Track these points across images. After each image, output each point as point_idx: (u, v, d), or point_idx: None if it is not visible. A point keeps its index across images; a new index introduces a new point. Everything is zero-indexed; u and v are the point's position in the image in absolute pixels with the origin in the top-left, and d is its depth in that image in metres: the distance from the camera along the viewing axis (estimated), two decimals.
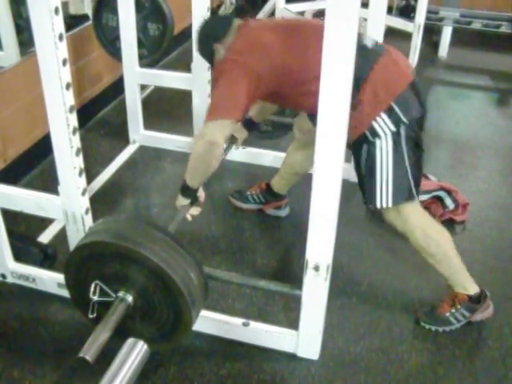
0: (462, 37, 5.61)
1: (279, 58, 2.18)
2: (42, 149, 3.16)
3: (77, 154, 1.98)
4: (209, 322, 2.27)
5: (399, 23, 4.94)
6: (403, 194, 2.23)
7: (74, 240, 2.21)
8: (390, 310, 2.49)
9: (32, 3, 1.74)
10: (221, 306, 2.45)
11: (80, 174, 2.03)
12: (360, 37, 2.16)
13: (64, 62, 1.82)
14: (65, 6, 5.28)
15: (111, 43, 3.52)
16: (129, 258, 1.79)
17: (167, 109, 4.04)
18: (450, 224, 3.03)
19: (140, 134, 3.66)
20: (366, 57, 2.10)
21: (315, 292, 1.97)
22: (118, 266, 1.84)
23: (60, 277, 2.42)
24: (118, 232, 1.85)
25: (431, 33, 5.62)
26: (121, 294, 1.87)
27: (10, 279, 2.53)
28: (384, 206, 2.24)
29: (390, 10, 5.41)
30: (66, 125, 1.91)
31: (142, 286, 1.84)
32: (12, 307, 2.46)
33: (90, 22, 3.73)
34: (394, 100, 2.11)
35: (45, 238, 2.82)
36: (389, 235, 2.95)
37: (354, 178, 3.25)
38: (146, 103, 3.77)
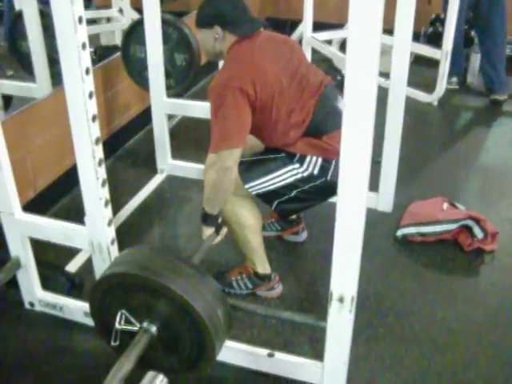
0: None
1: (272, 97, 2.28)
2: (72, 179, 3.19)
3: (102, 185, 2.00)
4: (234, 352, 2.26)
5: (426, 50, 4.92)
6: (266, 199, 2.49)
7: (100, 270, 2.23)
8: (417, 341, 2.45)
9: (60, 39, 1.78)
10: (246, 336, 2.44)
11: (106, 205, 2.05)
12: (336, 98, 2.42)
13: (90, 95, 1.85)
14: (96, 37, 5.42)
15: (139, 74, 3.56)
16: (153, 291, 1.80)
17: (195, 138, 4.07)
18: (478, 253, 2.99)
19: (168, 164, 3.69)
20: (335, 118, 2.26)
21: (340, 324, 1.95)
22: (143, 297, 1.84)
23: (86, 306, 2.42)
24: (144, 264, 1.86)
25: None
26: (145, 324, 1.87)
27: (37, 307, 2.56)
28: (250, 190, 2.44)
29: (416, 37, 5.42)
30: (91, 156, 1.93)
31: (167, 318, 1.84)
32: (39, 335, 2.48)
33: (119, 53, 3.79)
34: (337, 159, 2.21)
35: (72, 266, 2.85)
36: (415, 265, 2.93)
37: (381, 207, 3.28)
38: (174, 133, 3.80)
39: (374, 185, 3.18)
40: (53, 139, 3.28)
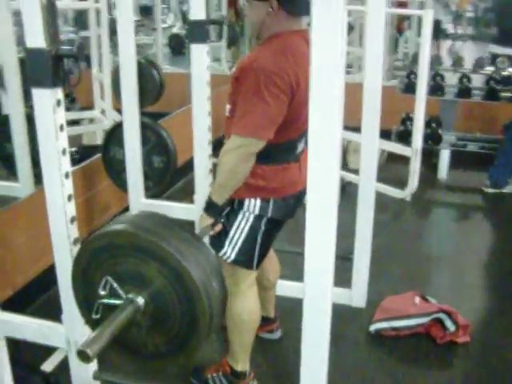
0: (460, 158, 5.78)
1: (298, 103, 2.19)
2: (50, 277, 3.23)
3: None
4: None
5: (397, 148, 5.11)
6: (245, 259, 2.44)
7: (76, 368, 2.23)
8: None
9: (42, 144, 1.88)
10: None
11: None
12: (299, 140, 2.39)
13: (69, 198, 1.93)
14: (78, 137, 5.58)
15: (118, 175, 3.64)
16: (148, 253, 1.61)
17: None
18: (451, 346, 3.03)
19: None
20: (289, 155, 2.37)
21: None
22: (134, 261, 1.64)
23: None
24: (135, 223, 1.69)
25: (431, 155, 5.81)
26: (131, 295, 1.66)
27: None
28: (224, 258, 2.41)
29: (388, 135, 5.63)
30: (70, 257, 1.99)
31: (157, 289, 1.64)
32: None
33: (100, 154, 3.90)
34: (275, 197, 2.36)
35: (49, 365, 2.83)
36: (389, 360, 2.96)
37: (354, 303, 3.32)
38: None
39: (346, 281, 3.24)
40: (33, 237, 3.33)
